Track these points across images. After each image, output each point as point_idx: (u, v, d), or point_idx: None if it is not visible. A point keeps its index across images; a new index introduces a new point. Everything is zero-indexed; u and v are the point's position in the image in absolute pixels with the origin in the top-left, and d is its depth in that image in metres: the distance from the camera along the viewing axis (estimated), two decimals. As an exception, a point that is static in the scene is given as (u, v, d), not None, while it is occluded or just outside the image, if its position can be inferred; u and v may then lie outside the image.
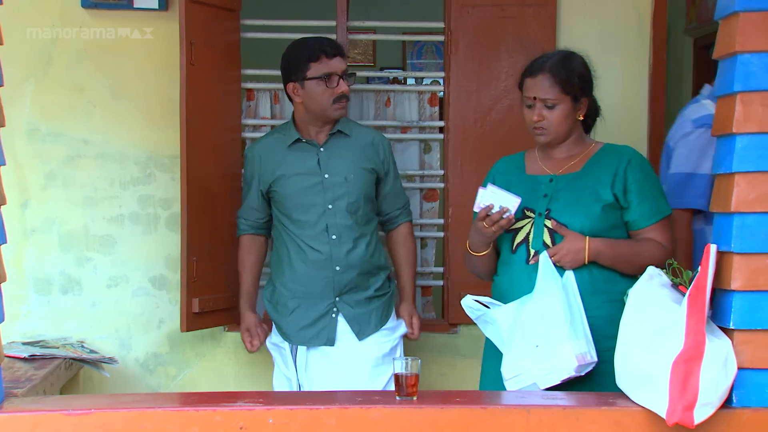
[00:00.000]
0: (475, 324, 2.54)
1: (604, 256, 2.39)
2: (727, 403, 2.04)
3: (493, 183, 2.58)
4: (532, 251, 2.45)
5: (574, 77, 2.47)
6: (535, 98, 2.47)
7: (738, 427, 2.04)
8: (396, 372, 2.15)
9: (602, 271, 2.42)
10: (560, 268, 2.39)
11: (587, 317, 2.33)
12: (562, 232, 2.40)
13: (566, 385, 2.33)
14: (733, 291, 2.04)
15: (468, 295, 2.48)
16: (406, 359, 2.15)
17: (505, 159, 2.67)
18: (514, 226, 2.48)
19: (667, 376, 1.98)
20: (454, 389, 3.10)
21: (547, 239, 2.44)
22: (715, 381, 1.98)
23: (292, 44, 2.90)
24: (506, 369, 2.35)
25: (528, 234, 2.46)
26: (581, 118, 2.52)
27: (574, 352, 2.26)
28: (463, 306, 2.48)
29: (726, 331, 2.06)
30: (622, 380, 2.15)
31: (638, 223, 2.44)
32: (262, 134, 3.86)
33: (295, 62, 2.82)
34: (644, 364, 2.05)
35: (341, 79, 2.83)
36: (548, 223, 2.44)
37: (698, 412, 1.97)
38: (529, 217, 2.48)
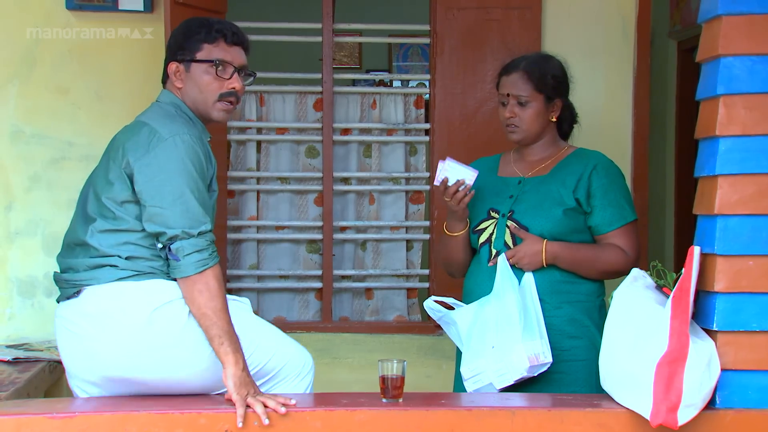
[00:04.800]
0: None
1: (562, 259, 2.43)
2: (711, 404, 2.05)
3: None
4: (494, 251, 2.49)
5: (548, 76, 2.50)
6: (508, 95, 2.50)
7: (721, 428, 2.06)
8: (381, 374, 2.15)
9: (562, 272, 2.45)
10: (519, 270, 2.43)
11: (546, 317, 2.37)
12: (520, 234, 2.44)
13: (527, 385, 2.37)
14: (717, 293, 2.05)
15: (430, 297, 2.53)
16: (392, 361, 2.15)
17: (482, 159, 2.69)
18: (479, 227, 2.52)
19: (651, 378, 1.99)
20: (439, 391, 3.10)
21: (509, 240, 2.47)
22: (698, 382, 1.99)
23: (188, 19, 2.37)
24: (465, 369, 2.40)
25: (491, 234, 2.50)
26: (554, 119, 2.54)
27: (527, 354, 2.30)
28: (425, 308, 2.52)
29: (709, 332, 2.07)
30: (606, 382, 2.16)
31: (601, 228, 2.47)
32: (247, 136, 3.89)
33: (185, 38, 2.28)
34: (628, 366, 2.06)
35: (237, 74, 2.28)
36: (510, 224, 2.47)
37: (682, 413, 1.98)
38: (494, 218, 2.51)
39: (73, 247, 2.23)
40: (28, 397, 2.61)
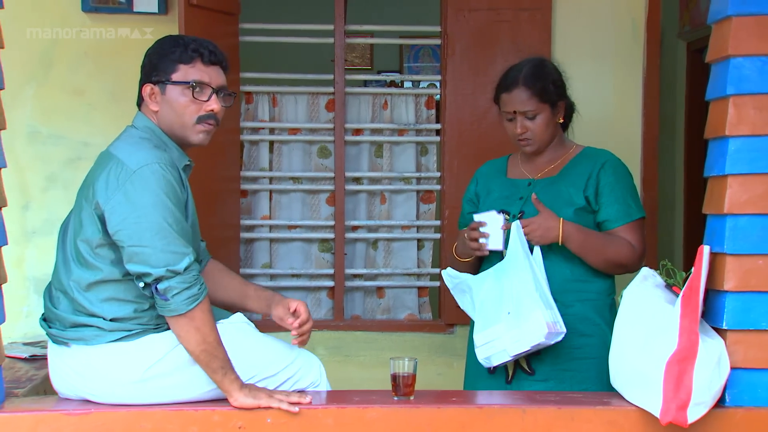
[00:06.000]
0: (470, 324, 2.57)
1: (574, 239, 2.41)
2: (721, 402, 2.07)
3: (477, 186, 2.64)
4: (507, 225, 2.47)
5: (549, 85, 2.49)
6: (515, 112, 2.49)
7: (731, 426, 2.07)
8: (393, 372, 2.17)
9: (573, 271, 2.46)
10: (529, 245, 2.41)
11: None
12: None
13: (538, 383, 2.39)
14: (726, 292, 2.06)
15: (449, 267, 2.53)
16: (403, 359, 2.17)
17: (490, 163, 2.70)
18: None
19: (661, 376, 2.00)
20: (450, 389, 3.12)
21: None
22: (708, 380, 2.00)
23: (162, 38, 2.23)
24: (478, 337, 2.38)
25: None
26: (561, 120, 2.55)
27: (545, 320, 2.28)
28: (443, 275, 2.51)
29: (719, 331, 2.08)
30: (616, 380, 2.17)
31: (608, 224, 2.47)
32: (260, 137, 3.92)
33: (160, 59, 2.15)
34: (638, 364, 2.07)
35: (215, 95, 2.16)
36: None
37: (692, 411, 2.00)
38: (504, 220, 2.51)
39: (56, 292, 2.15)
40: (44, 394, 2.63)
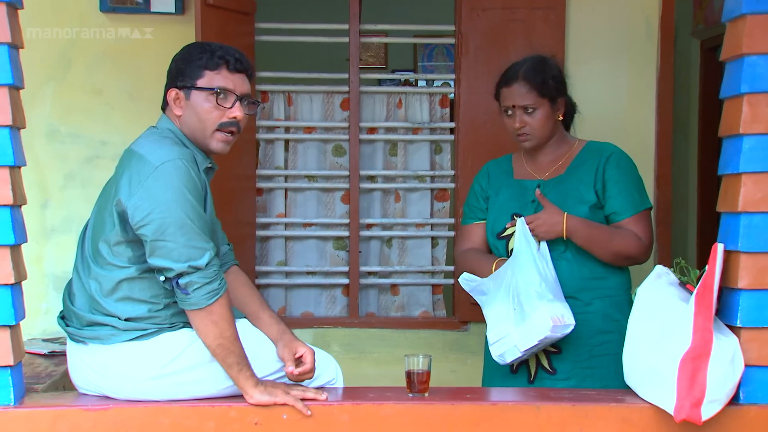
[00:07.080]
0: (485, 322, 2.58)
1: (579, 233, 2.42)
2: (735, 399, 2.07)
3: (488, 183, 2.64)
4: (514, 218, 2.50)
5: (549, 80, 2.49)
6: (514, 106, 2.50)
7: (745, 423, 2.07)
8: (407, 369, 2.18)
9: (591, 269, 2.46)
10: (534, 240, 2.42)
11: (578, 314, 2.37)
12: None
13: (561, 380, 2.39)
14: (740, 289, 2.06)
15: (464, 272, 2.54)
16: (418, 356, 2.18)
17: (493, 162, 2.71)
18: (505, 233, 2.54)
19: (675, 374, 2.01)
20: (464, 386, 3.14)
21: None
22: (722, 378, 2.01)
23: (190, 44, 2.27)
24: (490, 334, 2.40)
25: None
26: (561, 118, 2.55)
27: (550, 314, 2.29)
28: (460, 282, 2.53)
29: (733, 329, 2.09)
30: (630, 377, 2.18)
31: (614, 217, 2.48)
32: (275, 135, 3.94)
33: (186, 64, 2.17)
34: (652, 362, 2.08)
35: (239, 102, 2.17)
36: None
37: (706, 408, 2.00)
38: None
39: (75, 290, 2.18)
40: (63, 390, 2.66)
